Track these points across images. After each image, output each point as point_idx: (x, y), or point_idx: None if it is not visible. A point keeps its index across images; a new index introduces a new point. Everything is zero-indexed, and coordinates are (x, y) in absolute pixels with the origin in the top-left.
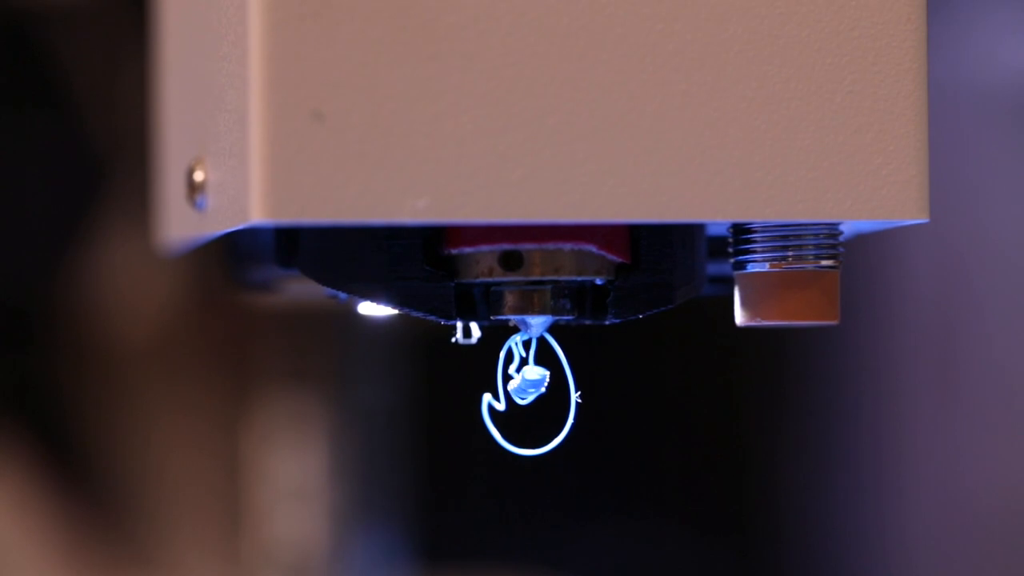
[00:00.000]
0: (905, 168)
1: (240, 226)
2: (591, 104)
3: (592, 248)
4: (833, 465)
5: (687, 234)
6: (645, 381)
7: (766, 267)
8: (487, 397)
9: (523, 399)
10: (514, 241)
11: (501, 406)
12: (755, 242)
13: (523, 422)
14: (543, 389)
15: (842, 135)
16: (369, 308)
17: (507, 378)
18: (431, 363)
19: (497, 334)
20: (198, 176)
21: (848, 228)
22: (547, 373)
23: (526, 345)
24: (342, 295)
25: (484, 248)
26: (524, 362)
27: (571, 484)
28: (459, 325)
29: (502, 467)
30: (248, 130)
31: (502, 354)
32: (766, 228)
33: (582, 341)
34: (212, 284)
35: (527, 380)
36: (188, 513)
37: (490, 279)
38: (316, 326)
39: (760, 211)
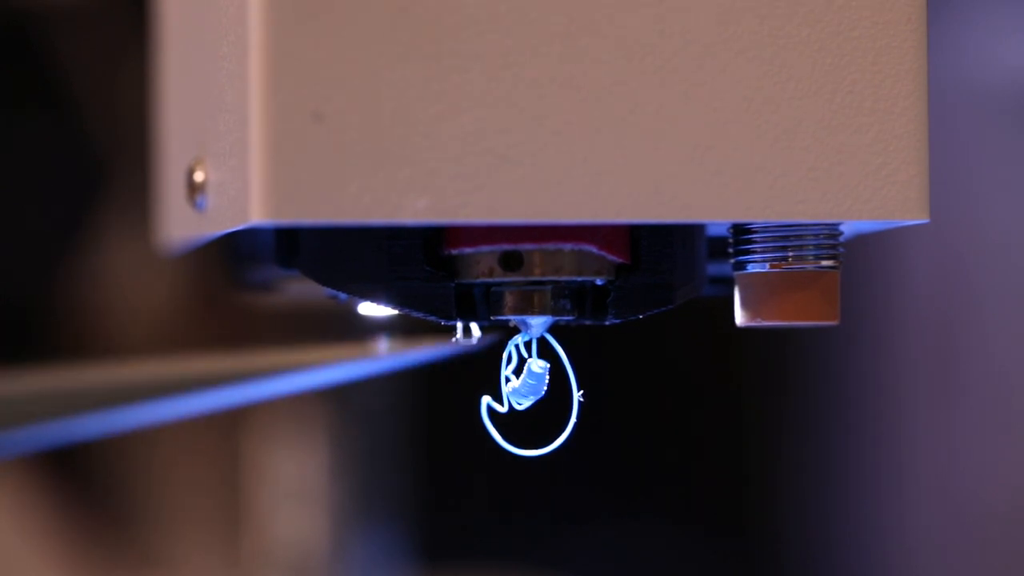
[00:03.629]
0: (905, 168)
1: (240, 226)
2: (591, 104)
3: (592, 248)
4: (833, 464)
5: (687, 234)
6: (645, 381)
7: (766, 267)
8: (486, 399)
9: (520, 404)
10: (514, 241)
11: (504, 408)
12: (755, 242)
13: (524, 422)
14: (542, 393)
15: (842, 135)
16: (369, 308)
17: (508, 380)
18: (431, 363)
19: (497, 334)
20: (198, 176)
21: (848, 228)
22: (547, 366)
23: (527, 346)
24: (342, 295)
25: (484, 248)
26: (524, 364)
27: (571, 484)
28: (459, 325)
29: (502, 467)
30: (248, 130)
31: (504, 356)
32: (766, 228)
33: (582, 341)
34: (212, 284)
35: (531, 374)
36: (189, 513)
37: (490, 279)
38: (316, 326)
39: (760, 211)
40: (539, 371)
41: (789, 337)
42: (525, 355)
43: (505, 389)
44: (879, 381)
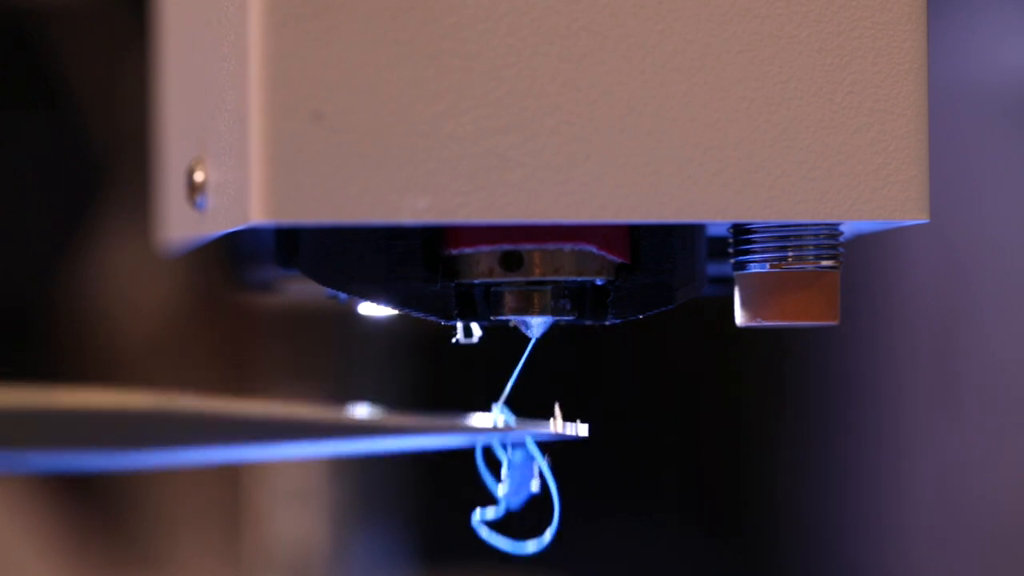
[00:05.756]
0: (905, 168)
1: (240, 226)
2: (591, 104)
3: (592, 248)
4: (833, 465)
5: (687, 234)
6: (645, 381)
7: (766, 267)
8: (477, 512)
9: (512, 505)
10: (514, 241)
11: (497, 514)
12: (755, 242)
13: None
14: (532, 479)
15: (842, 135)
16: (369, 308)
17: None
18: (431, 363)
19: (498, 333)
20: (198, 176)
21: (848, 228)
22: (528, 453)
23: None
24: (342, 295)
25: (484, 248)
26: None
27: (571, 484)
28: (459, 325)
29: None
30: (248, 130)
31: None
32: (766, 228)
33: (583, 341)
34: (212, 284)
35: (512, 466)
36: (189, 513)
37: (490, 279)
38: (316, 326)
39: (760, 211)
40: (519, 460)
41: (789, 337)
42: (508, 457)
43: (499, 494)
44: (879, 381)
